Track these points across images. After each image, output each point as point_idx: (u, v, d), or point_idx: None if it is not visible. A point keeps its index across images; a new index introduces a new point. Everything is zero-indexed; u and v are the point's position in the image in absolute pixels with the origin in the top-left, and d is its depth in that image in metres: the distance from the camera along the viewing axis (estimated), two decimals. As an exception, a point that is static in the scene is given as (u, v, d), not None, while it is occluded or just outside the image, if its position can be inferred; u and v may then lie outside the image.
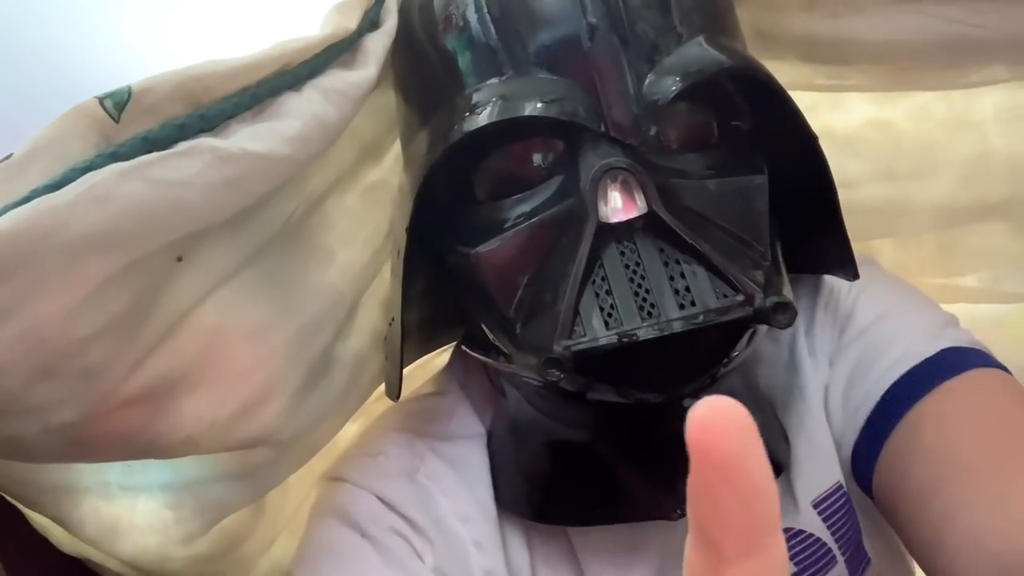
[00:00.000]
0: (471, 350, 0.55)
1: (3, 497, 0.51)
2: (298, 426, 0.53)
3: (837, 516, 0.53)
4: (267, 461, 0.54)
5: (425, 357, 0.66)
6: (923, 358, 0.50)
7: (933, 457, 0.46)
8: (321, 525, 0.54)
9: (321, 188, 0.55)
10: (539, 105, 0.45)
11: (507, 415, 0.56)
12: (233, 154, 0.41)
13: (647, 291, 0.42)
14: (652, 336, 0.41)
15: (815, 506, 0.53)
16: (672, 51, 0.46)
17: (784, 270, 0.47)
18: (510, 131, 0.46)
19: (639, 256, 0.43)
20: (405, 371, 0.55)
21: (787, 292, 0.44)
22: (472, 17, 0.48)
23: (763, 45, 0.60)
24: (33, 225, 0.35)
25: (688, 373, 0.45)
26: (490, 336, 0.49)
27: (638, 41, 0.46)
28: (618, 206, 0.43)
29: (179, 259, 0.44)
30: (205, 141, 0.41)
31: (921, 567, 0.49)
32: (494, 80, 0.47)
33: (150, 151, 0.40)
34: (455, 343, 0.63)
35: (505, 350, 0.48)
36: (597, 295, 0.43)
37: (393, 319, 0.55)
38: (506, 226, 0.47)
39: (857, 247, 0.52)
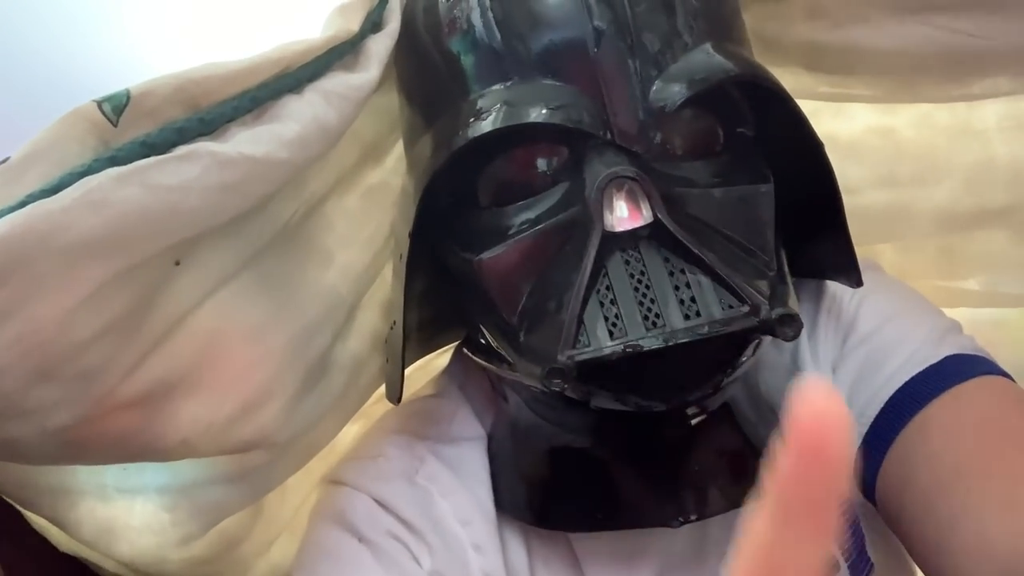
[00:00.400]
0: (472, 354, 0.55)
1: (2, 497, 0.51)
2: (295, 428, 0.53)
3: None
4: (264, 463, 0.54)
5: (425, 359, 0.66)
6: (927, 364, 0.50)
7: (938, 463, 0.46)
8: (319, 529, 0.54)
9: (321, 190, 0.55)
10: (544, 111, 0.44)
11: (508, 418, 0.55)
12: (231, 158, 0.41)
13: (652, 301, 0.42)
14: (656, 347, 0.41)
15: None
16: (679, 58, 0.46)
17: (789, 280, 0.47)
18: (515, 137, 0.46)
19: (644, 265, 0.43)
20: (405, 373, 0.54)
21: (792, 303, 0.44)
22: (477, 20, 0.47)
23: (767, 53, 0.60)
24: (29, 230, 0.35)
25: (692, 382, 0.45)
26: (492, 342, 0.49)
27: (644, 47, 0.45)
28: (623, 215, 0.43)
29: (177, 263, 0.44)
30: (204, 145, 0.41)
31: (924, 572, 0.49)
32: (499, 85, 0.47)
33: (149, 155, 0.39)
34: (455, 344, 0.63)
35: (508, 357, 0.48)
36: (602, 304, 0.43)
37: (395, 322, 0.54)
38: (510, 233, 0.47)
39: (859, 251, 0.52)
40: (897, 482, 0.49)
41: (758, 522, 0.19)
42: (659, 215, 0.43)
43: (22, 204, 0.36)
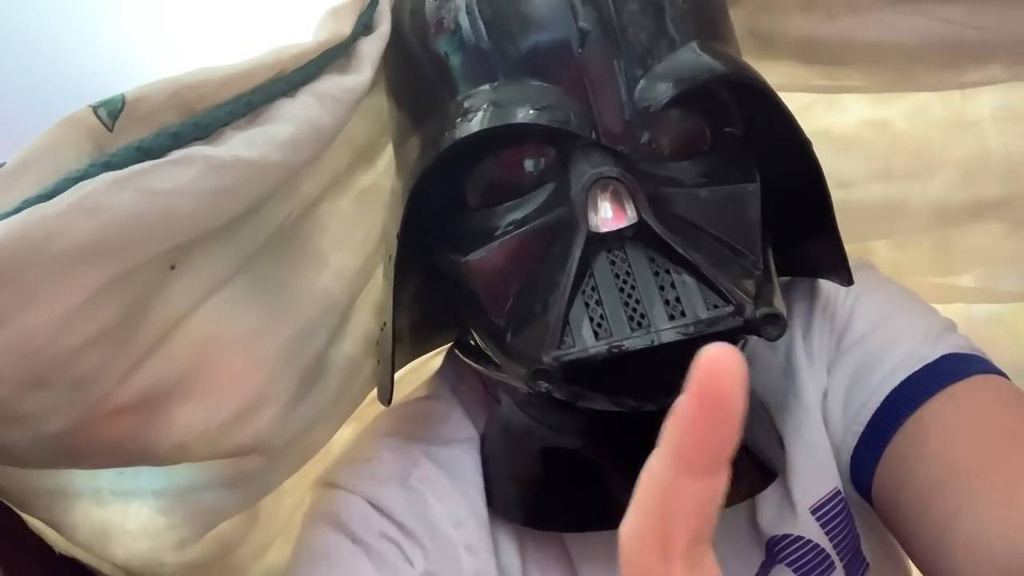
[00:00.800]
0: (463, 356, 0.55)
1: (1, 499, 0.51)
2: (291, 432, 0.53)
3: (835, 522, 0.53)
4: (260, 468, 0.54)
5: (418, 361, 0.66)
6: (923, 364, 0.50)
7: (935, 462, 0.46)
8: (313, 531, 0.54)
9: (314, 192, 0.55)
10: (531, 112, 0.44)
11: (500, 420, 0.56)
12: (226, 162, 0.41)
13: (637, 301, 0.42)
14: (641, 347, 0.41)
15: (813, 512, 0.52)
16: (664, 57, 0.46)
17: (776, 279, 0.47)
18: (502, 138, 0.46)
19: (629, 266, 0.43)
20: (398, 375, 0.55)
21: (778, 303, 0.44)
22: (464, 21, 0.47)
23: (760, 46, 0.60)
24: (24, 236, 0.35)
25: (679, 382, 0.44)
26: (481, 344, 0.49)
27: (630, 47, 0.45)
28: (608, 216, 0.43)
29: (172, 267, 0.44)
30: (198, 149, 0.41)
31: (921, 572, 0.49)
32: (486, 86, 0.47)
33: (144, 160, 0.39)
34: (448, 346, 0.63)
35: (495, 359, 0.48)
36: (587, 305, 0.43)
37: (385, 324, 0.54)
38: (496, 234, 0.47)
39: (854, 248, 0.52)
40: (893, 481, 0.49)
41: (656, 467, 0.21)
42: (644, 215, 0.43)
43: (18, 209, 0.36)
